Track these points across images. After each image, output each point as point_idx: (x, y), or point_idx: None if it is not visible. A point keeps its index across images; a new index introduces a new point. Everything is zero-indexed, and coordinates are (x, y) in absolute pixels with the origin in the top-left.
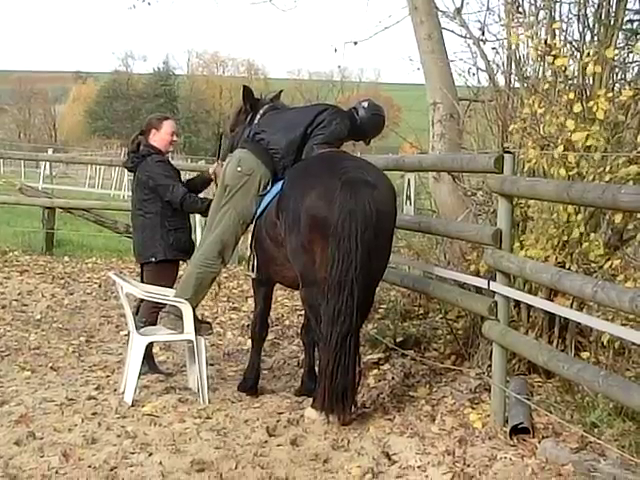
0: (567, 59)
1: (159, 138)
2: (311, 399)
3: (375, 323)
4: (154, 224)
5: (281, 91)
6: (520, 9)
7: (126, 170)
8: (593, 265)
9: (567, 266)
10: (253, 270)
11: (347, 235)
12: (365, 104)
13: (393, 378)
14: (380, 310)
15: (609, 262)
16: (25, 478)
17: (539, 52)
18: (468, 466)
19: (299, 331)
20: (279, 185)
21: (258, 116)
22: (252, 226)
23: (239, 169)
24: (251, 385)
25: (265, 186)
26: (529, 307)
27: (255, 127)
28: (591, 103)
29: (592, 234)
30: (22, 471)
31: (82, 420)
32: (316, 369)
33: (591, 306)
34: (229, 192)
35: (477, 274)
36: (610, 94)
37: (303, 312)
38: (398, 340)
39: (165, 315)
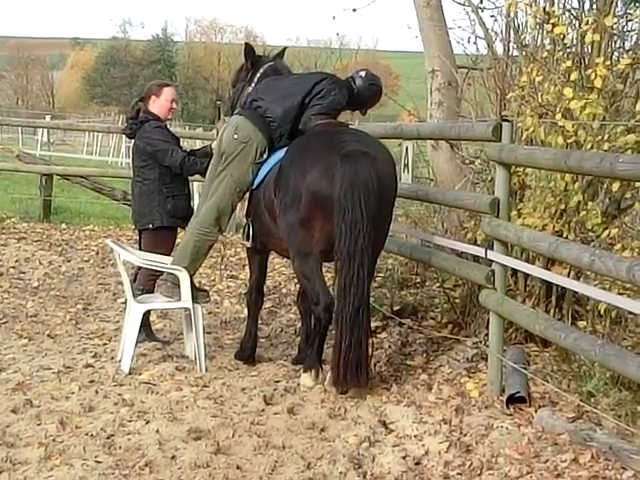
0: (566, 27)
1: (158, 105)
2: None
3: (372, 291)
4: (152, 191)
5: (284, 49)
6: None
7: (124, 137)
8: (590, 234)
9: (564, 235)
10: (248, 239)
11: (351, 206)
12: (362, 74)
13: (390, 347)
14: (377, 278)
15: (606, 231)
16: (22, 446)
17: (538, 20)
18: (465, 435)
19: (295, 299)
20: (276, 156)
21: (258, 74)
22: (248, 195)
23: (235, 136)
24: (248, 354)
25: (262, 154)
26: (526, 276)
27: (252, 93)
28: (589, 71)
29: (590, 203)
30: (19, 439)
31: (79, 388)
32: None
33: (588, 275)
34: (225, 159)
35: (474, 243)
36: (608, 62)
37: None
38: (395, 309)
39: (162, 283)
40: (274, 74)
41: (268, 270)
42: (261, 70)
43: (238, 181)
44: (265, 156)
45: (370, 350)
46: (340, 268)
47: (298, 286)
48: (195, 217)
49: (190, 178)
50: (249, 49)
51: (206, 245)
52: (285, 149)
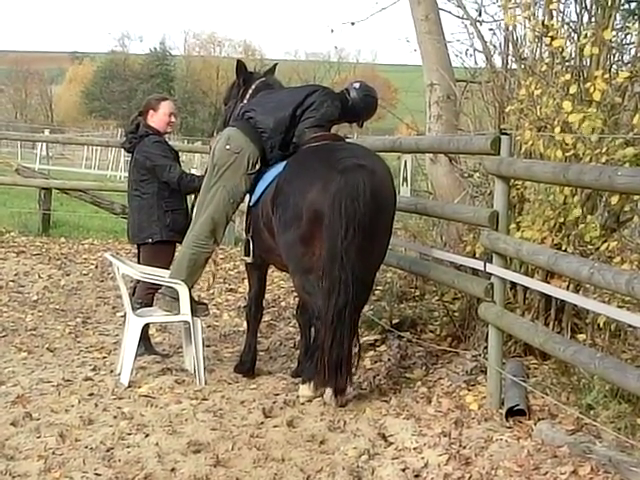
0: (564, 40)
1: (157, 119)
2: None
3: (371, 305)
4: (151, 205)
5: (275, 65)
6: None
7: (123, 151)
8: (589, 247)
9: (563, 248)
10: (249, 255)
11: (335, 213)
12: (357, 85)
13: (389, 360)
14: (376, 292)
15: (605, 244)
16: (22, 459)
17: (536, 33)
18: (464, 448)
19: (294, 312)
20: (272, 172)
21: (250, 90)
22: (246, 212)
23: (228, 147)
24: (248, 367)
25: (254, 164)
26: (525, 289)
27: (245, 105)
28: (588, 85)
29: (589, 216)
30: (19, 452)
31: (79, 401)
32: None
33: (587, 288)
34: (217, 171)
35: (473, 256)
36: (607, 75)
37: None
38: (394, 322)
39: (161, 297)
40: (266, 89)
41: (267, 283)
42: (253, 86)
43: (231, 192)
44: (258, 167)
45: (355, 354)
46: (325, 272)
47: (297, 299)
48: (191, 230)
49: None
50: (240, 66)
51: (202, 257)
52: (281, 165)
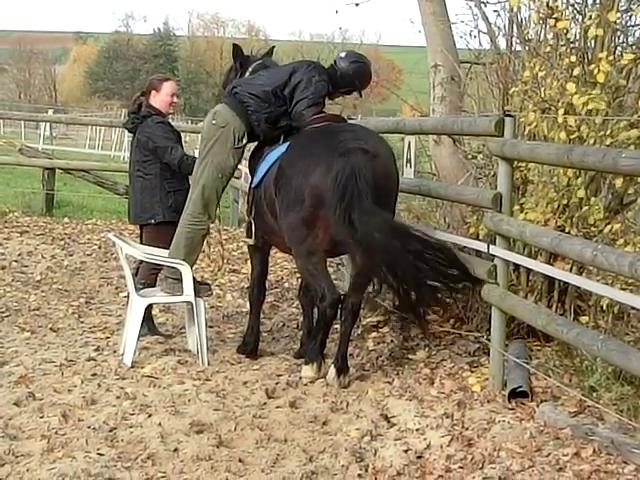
0: (569, 22)
1: (159, 99)
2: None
3: (374, 286)
4: (153, 186)
5: (273, 47)
6: None
7: (126, 131)
8: (593, 229)
9: (567, 230)
10: (251, 237)
11: (336, 195)
12: (343, 54)
13: (392, 341)
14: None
15: (609, 226)
16: (25, 438)
17: (541, 15)
18: (466, 429)
19: (297, 293)
20: (274, 154)
21: (247, 73)
22: (248, 194)
23: (214, 122)
24: (251, 348)
25: (240, 139)
26: (528, 271)
27: (235, 82)
28: (592, 66)
29: (592, 198)
30: (22, 431)
31: (82, 381)
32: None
33: (590, 270)
34: (205, 146)
35: (477, 238)
36: (612, 57)
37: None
38: (397, 303)
39: (163, 280)
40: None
41: (270, 264)
42: (250, 69)
43: (219, 167)
44: (245, 141)
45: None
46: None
47: (300, 280)
48: (186, 209)
49: None
50: (237, 49)
51: (199, 235)
52: (283, 146)
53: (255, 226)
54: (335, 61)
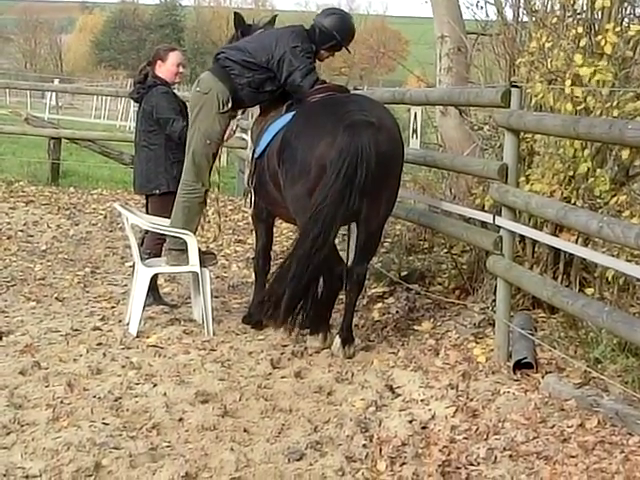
0: None
1: (165, 69)
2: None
3: (380, 257)
4: (158, 156)
5: (275, 16)
6: None
7: (132, 101)
8: (599, 201)
9: (572, 201)
10: (251, 205)
11: (334, 171)
12: (319, 11)
13: (397, 312)
14: (385, 244)
15: (615, 198)
16: (30, 407)
17: None
18: (471, 400)
19: None
20: (278, 124)
21: None
22: (251, 163)
23: (198, 89)
24: (257, 319)
25: (225, 103)
26: (534, 242)
27: (219, 48)
28: (599, 38)
29: (598, 170)
30: (27, 400)
31: (87, 351)
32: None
33: (596, 242)
34: (192, 113)
35: (482, 209)
36: (619, 29)
37: None
38: (403, 274)
39: (167, 253)
40: None
41: (276, 235)
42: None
43: (206, 132)
44: (229, 105)
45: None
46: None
47: None
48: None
49: None
50: (238, 18)
51: (195, 203)
52: (286, 116)
53: (257, 196)
54: (314, 20)
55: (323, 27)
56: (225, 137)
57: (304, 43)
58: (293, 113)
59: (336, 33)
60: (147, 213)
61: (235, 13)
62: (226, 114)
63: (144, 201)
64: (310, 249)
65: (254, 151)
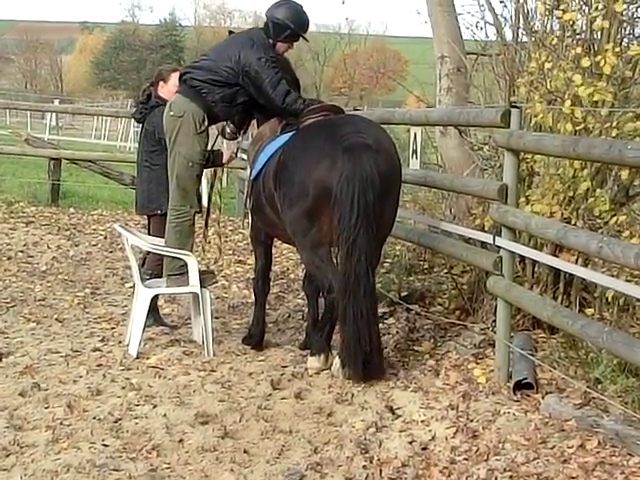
0: (575, 13)
1: (167, 90)
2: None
3: (380, 277)
4: (160, 176)
5: None
6: None
7: (132, 121)
8: (599, 221)
9: (572, 222)
10: (248, 227)
11: (347, 201)
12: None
13: (397, 332)
14: (385, 264)
15: (615, 218)
16: (30, 429)
17: (547, 6)
18: (471, 421)
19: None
20: (274, 144)
21: None
22: (248, 185)
23: (171, 113)
24: (256, 340)
25: (201, 123)
26: (534, 262)
27: (182, 69)
28: (598, 58)
29: (598, 190)
30: (27, 422)
31: (87, 372)
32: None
33: (596, 262)
34: (169, 138)
35: (482, 229)
36: (618, 49)
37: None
38: (403, 294)
39: (167, 278)
40: None
41: (276, 255)
42: None
43: (187, 155)
44: (206, 124)
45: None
46: (343, 261)
47: (304, 270)
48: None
49: None
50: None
51: (185, 226)
52: (282, 137)
53: (255, 218)
54: (266, 14)
55: (276, 19)
56: (226, 160)
57: (267, 52)
58: (289, 134)
59: (289, 22)
60: (148, 234)
61: (230, 32)
62: (204, 133)
63: (144, 221)
64: (357, 285)
65: (250, 173)
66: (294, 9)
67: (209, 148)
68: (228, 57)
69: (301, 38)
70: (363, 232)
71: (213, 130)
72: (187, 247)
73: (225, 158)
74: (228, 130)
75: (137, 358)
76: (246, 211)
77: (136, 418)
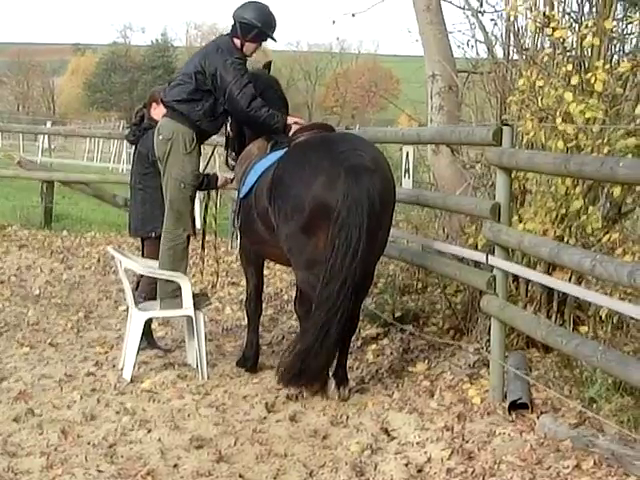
0: (566, 31)
1: (159, 112)
2: None
3: (374, 297)
4: (154, 199)
5: (270, 62)
6: None
7: (125, 143)
8: (591, 239)
9: (565, 240)
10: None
11: (352, 224)
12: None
13: (392, 353)
14: (378, 284)
15: (607, 235)
16: (24, 455)
17: (538, 24)
18: (467, 442)
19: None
20: (264, 163)
21: None
22: (236, 204)
23: (160, 137)
24: (250, 362)
25: (190, 142)
26: (527, 281)
27: (160, 94)
28: (589, 75)
29: (590, 207)
30: (21, 448)
31: (81, 397)
32: None
33: (589, 280)
34: (161, 162)
35: (476, 248)
36: (608, 66)
37: (296, 285)
38: (397, 315)
39: (160, 301)
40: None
41: (269, 276)
42: None
43: (179, 176)
44: (195, 143)
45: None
46: (327, 282)
47: (296, 291)
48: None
49: None
50: None
51: (178, 249)
52: (272, 156)
53: (244, 237)
54: (233, 16)
55: (242, 19)
56: (220, 184)
57: (232, 55)
58: (282, 152)
59: (256, 22)
60: (142, 256)
61: None
62: (194, 152)
63: (138, 244)
64: (337, 308)
65: (239, 191)
66: (260, 9)
67: (202, 171)
68: (195, 66)
69: (269, 39)
70: (363, 255)
71: (205, 151)
72: (181, 270)
73: (220, 182)
74: (230, 160)
75: (131, 382)
76: (233, 230)
77: (131, 443)
